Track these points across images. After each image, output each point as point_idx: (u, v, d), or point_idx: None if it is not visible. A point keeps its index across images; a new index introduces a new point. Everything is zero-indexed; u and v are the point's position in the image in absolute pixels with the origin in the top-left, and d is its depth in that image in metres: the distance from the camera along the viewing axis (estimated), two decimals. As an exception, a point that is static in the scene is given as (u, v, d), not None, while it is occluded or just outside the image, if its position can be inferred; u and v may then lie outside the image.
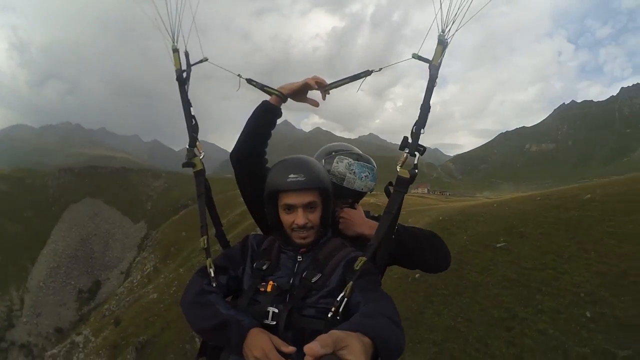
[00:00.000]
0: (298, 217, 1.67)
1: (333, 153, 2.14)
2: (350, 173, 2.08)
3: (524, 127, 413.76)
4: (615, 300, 9.54)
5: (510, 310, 10.77)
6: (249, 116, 2.01)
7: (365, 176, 2.11)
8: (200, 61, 2.01)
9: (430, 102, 1.70)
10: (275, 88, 1.97)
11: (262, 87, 1.99)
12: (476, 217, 18.01)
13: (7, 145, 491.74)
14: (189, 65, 2.00)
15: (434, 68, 1.68)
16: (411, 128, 1.70)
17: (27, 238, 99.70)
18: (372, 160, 2.18)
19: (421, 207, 31.25)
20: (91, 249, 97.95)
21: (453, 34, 1.66)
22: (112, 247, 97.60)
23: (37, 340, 79.33)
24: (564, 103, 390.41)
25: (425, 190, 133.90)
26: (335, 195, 1.87)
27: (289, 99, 2.00)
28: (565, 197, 16.51)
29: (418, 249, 1.90)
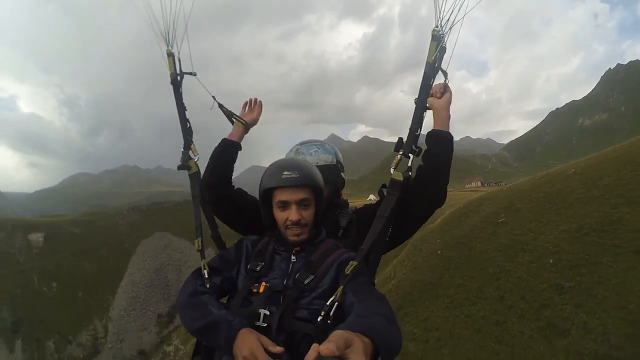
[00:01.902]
0: (292, 213, 1.69)
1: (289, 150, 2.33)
2: (299, 155, 2.21)
3: (573, 101, 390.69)
4: (571, 248, 12.97)
5: (500, 266, 14.41)
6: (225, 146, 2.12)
7: (314, 151, 2.21)
8: (190, 73, 2.16)
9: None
10: (239, 116, 2.21)
11: (230, 115, 2.19)
12: (488, 201, 21.50)
13: (70, 193, 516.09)
14: (180, 72, 2.16)
15: (429, 66, 1.72)
16: (408, 129, 1.73)
17: (103, 273, 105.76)
18: (325, 142, 2.33)
19: (452, 202, 34.67)
20: (166, 277, 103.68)
21: (450, 29, 1.64)
22: (185, 274, 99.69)
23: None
24: (610, 68, 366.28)
25: (479, 184, 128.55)
26: None
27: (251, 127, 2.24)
28: (556, 174, 19.75)
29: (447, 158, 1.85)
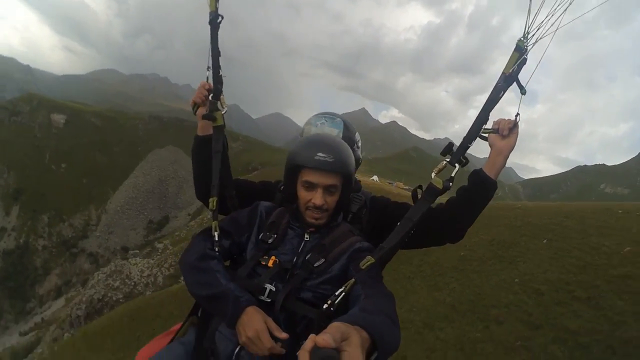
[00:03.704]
0: (316, 197, 1.60)
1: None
2: (307, 125, 2.13)
3: (603, 165, 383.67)
4: (478, 250, 18.00)
5: (466, 263, 19.23)
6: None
7: (320, 123, 2.09)
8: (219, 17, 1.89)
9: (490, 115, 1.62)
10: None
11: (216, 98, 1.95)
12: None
13: (97, 86, 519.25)
14: (216, 11, 1.89)
15: (504, 78, 1.60)
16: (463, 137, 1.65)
17: (112, 169, 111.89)
18: (340, 116, 2.15)
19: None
20: (166, 189, 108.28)
21: (534, 43, 1.55)
22: (185, 191, 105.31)
23: (104, 252, 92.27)
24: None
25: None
26: None
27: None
28: (508, 205, 24.71)
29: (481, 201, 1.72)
